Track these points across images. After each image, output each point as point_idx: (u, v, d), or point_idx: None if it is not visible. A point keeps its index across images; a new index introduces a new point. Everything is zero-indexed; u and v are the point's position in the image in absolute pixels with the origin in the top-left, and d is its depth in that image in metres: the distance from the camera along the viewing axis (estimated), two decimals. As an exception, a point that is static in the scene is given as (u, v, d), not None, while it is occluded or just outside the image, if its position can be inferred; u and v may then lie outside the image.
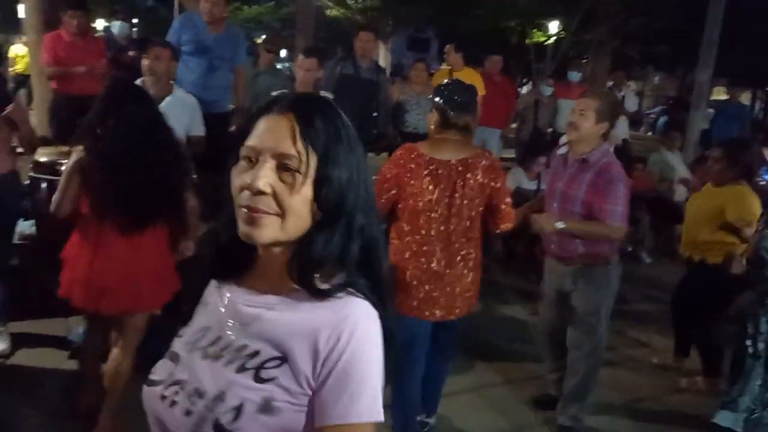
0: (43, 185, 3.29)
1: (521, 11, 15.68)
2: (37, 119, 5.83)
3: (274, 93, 4.34)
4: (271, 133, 0.94)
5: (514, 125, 8.50)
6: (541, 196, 3.49)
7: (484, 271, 2.88)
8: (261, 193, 0.91)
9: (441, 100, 2.67)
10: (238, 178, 0.95)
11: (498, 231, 2.87)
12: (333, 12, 18.31)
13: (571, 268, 3.11)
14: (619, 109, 4.21)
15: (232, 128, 5.07)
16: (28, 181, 3.44)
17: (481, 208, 2.69)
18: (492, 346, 4.14)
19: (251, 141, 0.95)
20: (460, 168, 2.61)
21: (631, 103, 8.94)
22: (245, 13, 24.68)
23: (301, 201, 0.93)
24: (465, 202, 2.63)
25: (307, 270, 0.95)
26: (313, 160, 0.93)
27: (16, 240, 3.58)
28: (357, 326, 0.92)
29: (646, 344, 4.48)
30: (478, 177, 2.62)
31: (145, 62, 3.64)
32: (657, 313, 4.84)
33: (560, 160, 3.16)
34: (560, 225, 2.95)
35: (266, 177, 0.92)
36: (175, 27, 4.73)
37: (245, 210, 0.93)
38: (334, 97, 4.62)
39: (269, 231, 0.93)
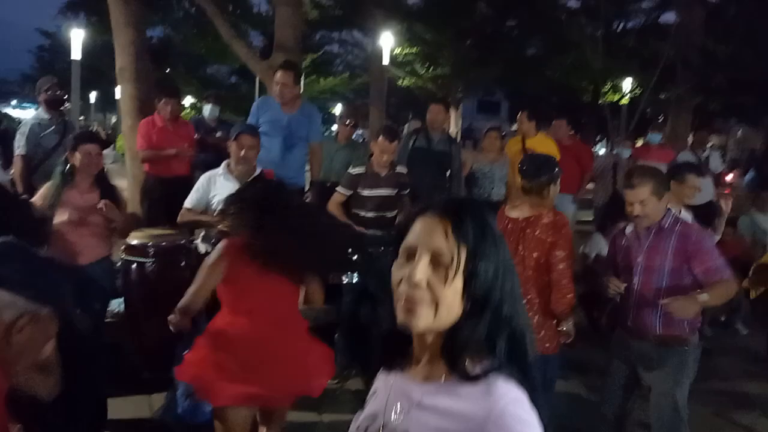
0: (134, 266, 3.45)
1: (594, 71, 15.57)
2: (130, 197, 6.21)
3: (353, 169, 4.51)
4: (426, 232, 1.08)
5: (590, 186, 8.31)
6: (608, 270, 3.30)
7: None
8: (417, 285, 1.04)
9: (520, 169, 3.24)
10: (398, 272, 1.08)
11: (559, 314, 3.05)
12: (405, 81, 18.82)
13: (645, 345, 2.96)
14: (689, 171, 4.06)
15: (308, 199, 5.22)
16: (119, 262, 3.63)
17: (542, 260, 3.02)
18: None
19: (409, 240, 1.09)
20: (523, 224, 3.09)
21: (716, 164, 8.52)
22: (321, 85, 25.72)
23: (452, 292, 1.05)
24: (526, 253, 3.03)
25: (457, 355, 1.05)
26: (463, 256, 1.05)
27: (107, 318, 3.78)
28: (507, 407, 1.00)
29: (750, 428, 4.09)
30: (537, 232, 3.04)
31: (234, 148, 3.81)
32: (760, 391, 4.46)
33: (633, 234, 3.08)
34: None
35: (422, 271, 1.05)
36: (254, 110, 5.04)
37: (404, 301, 1.05)
38: (408, 170, 4.73)
39: (424, 319, 1.05)
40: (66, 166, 3.46)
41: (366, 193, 4.41)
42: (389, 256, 1.13)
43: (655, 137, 7.64)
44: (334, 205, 4.45)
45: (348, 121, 6.18)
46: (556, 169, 3.23)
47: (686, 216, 4.56)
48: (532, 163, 3.25)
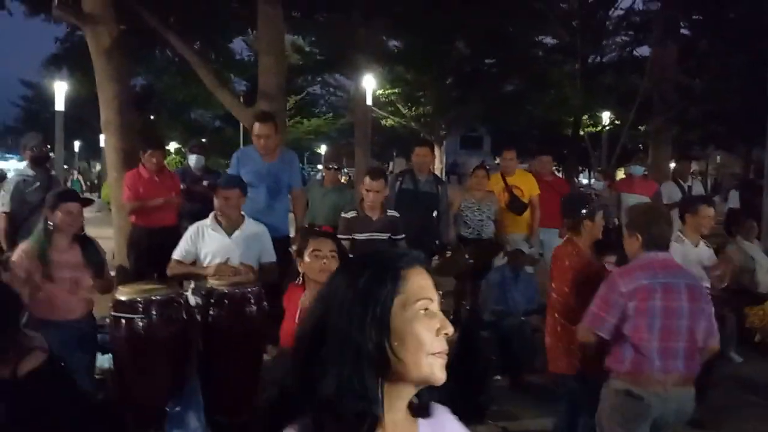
0: (123, 322, 3.41)
1: (574, 107, 15.91)
2: (116, 249, 6.16)
3: (346, 213, 4.52)
4: (430, 284, 1.09)
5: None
6: None
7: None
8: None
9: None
10: (429, 326, 1.06)
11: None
12: (388, 121, 19.06)
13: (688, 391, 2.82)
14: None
15: (293, 248, 5.20)
16: (107, 318, 3.58)
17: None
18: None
19: (429, 294, 1.07)
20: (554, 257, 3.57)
21: (700, 192, 8.66)
22: (305, 126, 25.99)
23: None
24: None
25: (429, 398, 1.11)
26: None
27: (95, 374, 3.71)
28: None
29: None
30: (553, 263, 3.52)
31: (216, 202, 3.85)
32: (756, 421, 4.44)
33: None
34: None
35: None
36: (234, 162, 5.07)
37: (441, 355, 1.06)
38: (395, 211, 4.75)
39: None
40: (46, 224, 3.42)
41: (359, 237, 4.42)
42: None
43: (637, 169, 7.75)
44: None
45: (331, 165, 6.23)
46: (593, 207, 3.51)
47: (705, 250, 4.56)
48: (569, 202, 3.70)
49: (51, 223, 3.40)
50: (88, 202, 3.83)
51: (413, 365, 1.03)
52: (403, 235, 4.58)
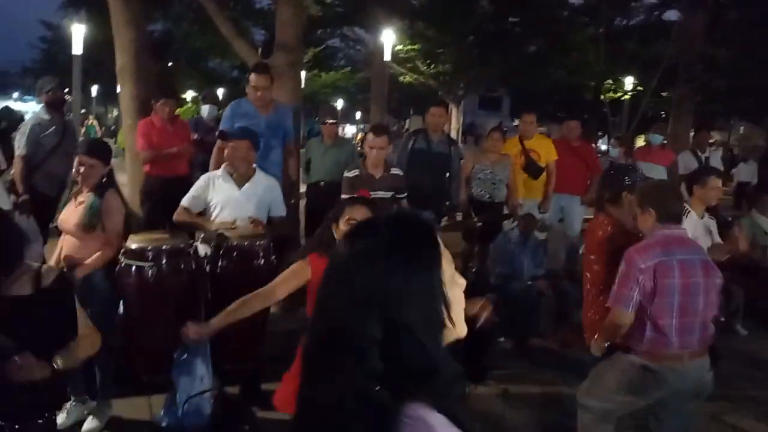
0: (133, 270, 3.46)
1: (596, 71, 15.56)
2: (130, 197, 6.20)
3: (348, 172, 4.49)
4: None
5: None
6: None
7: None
8: None
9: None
10: (459, 287, 1.22)
11: None
12: (406, 78, 18.78)
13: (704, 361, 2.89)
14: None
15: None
16: (119, 264, 3.63)
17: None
18: None
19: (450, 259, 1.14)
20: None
21: (717, 164, 8.50)
22: (323, 80, 25.72)
23: None
24: None
25: None
26: None
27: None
28: None
29: (748, 432, 4.11)
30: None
31: (230, 153, 3.86)
32: (757, 394, 4.46)
33: None
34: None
35: None
36: (228, 114, 4.87)
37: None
38: (405, 172, 4.72)
39: None
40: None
41: None
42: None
43: (656, 138, 7.62)
44: None
45: (328, 119, 6.18)
46: (634, 178, 3.33)
47: (709, 221, 4.57)
48: (610, 173, 3.54)
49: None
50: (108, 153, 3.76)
51: (457, 326, 1.09)
52: (406, 194, 4.56)
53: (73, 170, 3.46)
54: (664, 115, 14.98)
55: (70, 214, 3.45)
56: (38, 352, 2.04)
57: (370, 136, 4.48)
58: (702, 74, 11.64)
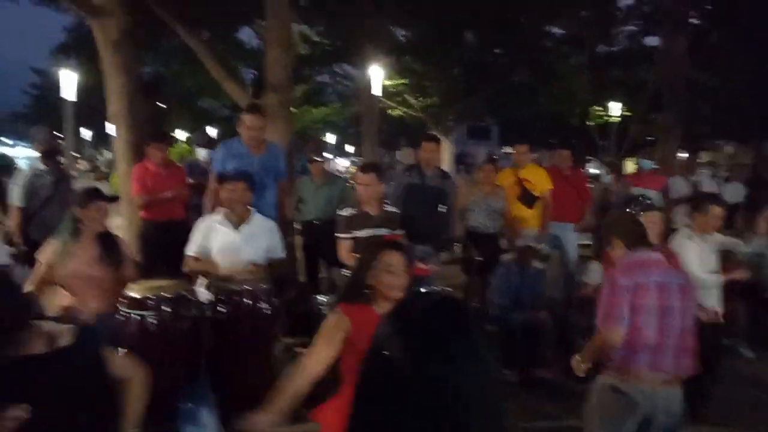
0: (134, 319, 3.45)
1: (580, 99, 15.79)
2: (126, 241, 6.18)
3: (343, 211, 4.50)
4: None
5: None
6: None
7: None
8: None
9: None
10: None
11: None
12: (396, 111, 18.96)
13: (675, 391, 2.86)
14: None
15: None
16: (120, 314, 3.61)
17: None
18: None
19: None
20: None
21: (708, 185, 8.62)
22: (313, 115, 25.88)
23: None
24: None
25: None
26: None
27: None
28: None
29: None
30: None
31: (222, 194, 3.89)
32: (764, 416, 4.43)
33: None
34: None
35: None
36: (219, 157, 4.86)
37: None
38: (404, 206, 4.75)
39: None
40: (74, 222, 3.53)
41: (360, 234, 4.38)
42: None
43: (646, 163, 7.71)
44: (347, 255, 4.36)
45: (315, 158, 6.20)
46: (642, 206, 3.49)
47: (718, 236, 4.60)
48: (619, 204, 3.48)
49: (80, 221, 3.51)
50: (114, 200, 3.91)
51: None
52: (403, 231, 4.57)
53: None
54: (652, 139, 15.15)
55: (87, 260, 3.48)
56: (62, 408, 1.91)
57: (359, 173, 4.52)
58: (686, 97, 11.83)
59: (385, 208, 4.51)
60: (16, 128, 43.71)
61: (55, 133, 5.96)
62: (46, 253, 3.52)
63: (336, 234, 4.46)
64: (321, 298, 4.89)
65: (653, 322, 2.77)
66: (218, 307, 3.67)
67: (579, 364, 2.99)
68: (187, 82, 18.65)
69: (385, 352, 1.07)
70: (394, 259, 2.56)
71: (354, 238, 4.35)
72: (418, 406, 1.03)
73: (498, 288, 5.33)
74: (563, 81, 15.44)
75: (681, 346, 2.81)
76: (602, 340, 2.86)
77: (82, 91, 13.51)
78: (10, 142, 39.66)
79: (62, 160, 8.57)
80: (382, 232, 4.44)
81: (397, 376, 1.04)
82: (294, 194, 6.09)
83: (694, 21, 13.27)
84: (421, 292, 3.02)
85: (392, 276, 2.51)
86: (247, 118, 4.78)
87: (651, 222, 3.80)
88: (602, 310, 2.86)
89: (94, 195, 3.64)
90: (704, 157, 23.32)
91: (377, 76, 13.68)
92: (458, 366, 1.05)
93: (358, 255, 4.37)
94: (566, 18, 16.33)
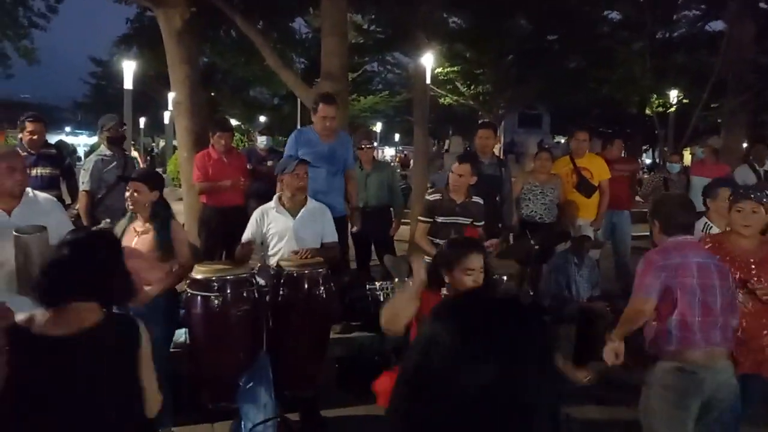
0: (198, 300, 3.56)
1: (641, 87, 15.30)
2: (187, 226, 6.38)
3: (430, 195, 4.60)
4: None
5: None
6: None
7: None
8: None
9: None
10: None
11: None
12: (446, 100, 18.83)
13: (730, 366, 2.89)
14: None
15: (353, 229, 5.28)
16: (185, 294, 3.73)
17: None
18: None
19: None
20: None
21: (774, 176, 8.23)
22: (362, 104, 25.95)
23: None
24: None
25: None
26: None
27: (171, 348, 3.89)
28: None
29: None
30: None
31: (287, 182, 3.96)
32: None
33: None
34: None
35: None
36: (291, 144, 4.96)
37: None
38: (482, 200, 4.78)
39: None
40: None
41: (440, 219, 4.49)
42: None
43: (699, 151, 7.49)
44: (421, 236, 4.55)
45: (364, 144, 6.21)
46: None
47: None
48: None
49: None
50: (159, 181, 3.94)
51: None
52: (483, 222, 4.62)
53: (126, 195, 3.62)
54: (716, 125, 14.57)
55: (138, 243, 3.58)
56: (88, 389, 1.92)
57: (456, 163, 4.63)
58: (754, 84, 11.34)
59: (472, 199, 4.59)
60: (77, 117, 45.39)
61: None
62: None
63: (419, 217, 4.66)
64: (375, 284, 4.94)
65: (699, 299, 2.82)
66: (278, 291, 3.75)
67: (614, 339, 3.05)
68: (240, 72, 18.95)
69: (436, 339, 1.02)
70: (474, 263, 2.70)
71: (433, 222, 4.49)
72: (460, 404, 0.97)
73: (553, 278, 5.27)
74: (623, 67, 14.98)
75: (725, 323, 2.86)
76: (633, 311, 2.94)
77: (138, 80, 13.88)
78: (69, 129, 41.18)
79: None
80: (463, 221, 4.53)
81: (441, 366, 1.00)
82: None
83: (763, 5, 12.68)
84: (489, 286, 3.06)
85: (470, 278, 2.68)
86: (321, 107, 4.83)
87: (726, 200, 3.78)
88: (636, 282, 2.93)
89: (134, 176, 3.73)
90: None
91: (429, 64, 13.58)
92: (514, 369, 0.99)
93: (434, 240, 4.46)
94: (624, 2, 15.85)
